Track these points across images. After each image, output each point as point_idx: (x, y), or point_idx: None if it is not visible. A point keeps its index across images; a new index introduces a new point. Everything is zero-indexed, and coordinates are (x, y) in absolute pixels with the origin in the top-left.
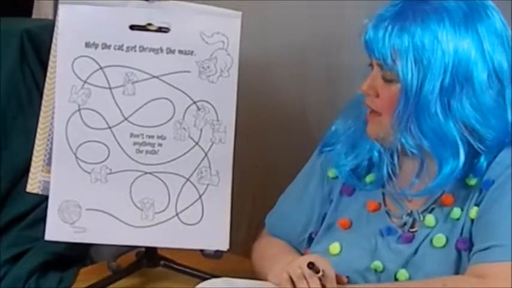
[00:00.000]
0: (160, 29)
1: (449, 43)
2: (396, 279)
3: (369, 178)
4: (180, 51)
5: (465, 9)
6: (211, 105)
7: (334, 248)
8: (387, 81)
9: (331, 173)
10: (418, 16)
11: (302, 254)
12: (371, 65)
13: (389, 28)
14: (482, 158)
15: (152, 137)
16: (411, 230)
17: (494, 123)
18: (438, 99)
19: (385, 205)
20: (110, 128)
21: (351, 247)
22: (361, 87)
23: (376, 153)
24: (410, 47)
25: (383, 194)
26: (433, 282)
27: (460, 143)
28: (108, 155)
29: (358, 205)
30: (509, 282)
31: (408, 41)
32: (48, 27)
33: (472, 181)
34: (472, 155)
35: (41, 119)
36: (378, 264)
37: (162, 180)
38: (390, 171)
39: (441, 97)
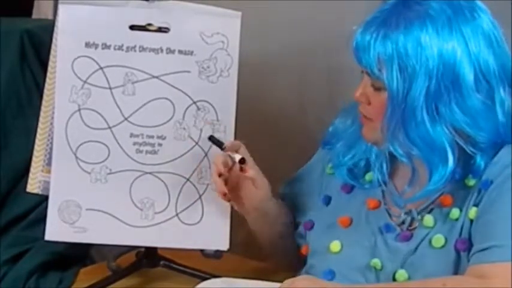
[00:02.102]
0: (160, 29)
1: (433, 48)
2: (395, 280)
3: (368, 176)
4: (180, 51)
5: (449, 12)
6: (211, 105)
7: (335, 246)
8: (376, 89)
9: (329, 169)
10: (401, 23)
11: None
12: (363, 71)
13: (374, 35)
14: (478, 159)
15: (152, 137)
16: (409, 228)
17: (484, 125)
18: (424, 105)
19: (385, 203)
20: (109, 128)
21: (352, 245)
22: (354, 94)
23: (373, 155)
24: (394, 55)
25: (383, 191)
26: (432, 282)
27: (448, 148)
28: (108, 155)
29: (357, 202)
30: (509, 282)
31: (392, 48)
32: (48, 27)
33: (471, 182)
34: (468, 156)
35: (41, 119)
36: (376, 262)
37: (162, 180)
38: (386, 173)
39: (428, 103)
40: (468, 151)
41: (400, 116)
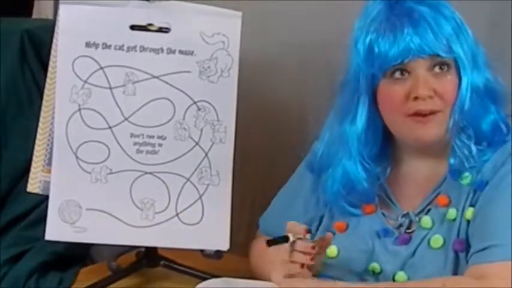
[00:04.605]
0: (160, 29)
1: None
2: (394, 282)
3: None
4: (181, 52)
5: None
6: (212, 105)
7: (332, 251)
8: (443, 73)
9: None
10: (427, 3)
11: None
12: (403, 71)
13: (425, 24)
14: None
15: (152, 137)
16: (408, 231)
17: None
18: (486, 67)
19: (380, 207)
20: (110, 128)
21: (348, 250)
22: (421, 93)
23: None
24: (453, 27)
25: (378, 196)
26: (432, 282)
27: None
28: (109, 155)
29: (353, 208)
30: (509, 281)
31: (449, 22)
32: (48, 27)
33: (466, 179)
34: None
35: (41, 119)
36: (375, 266)
37: (163, 180)
38: (388, 188)
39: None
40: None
41: (474, 81)
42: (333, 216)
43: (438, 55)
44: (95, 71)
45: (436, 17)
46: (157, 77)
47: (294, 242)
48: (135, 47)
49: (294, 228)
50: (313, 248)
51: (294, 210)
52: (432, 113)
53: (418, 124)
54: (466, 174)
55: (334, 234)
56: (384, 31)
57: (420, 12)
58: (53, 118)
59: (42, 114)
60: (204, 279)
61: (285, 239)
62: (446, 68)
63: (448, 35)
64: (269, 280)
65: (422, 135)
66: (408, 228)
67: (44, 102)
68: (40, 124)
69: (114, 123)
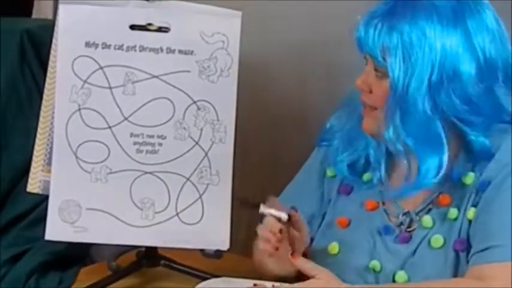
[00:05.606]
0: (160, 29)
1: (436, 40)
2: (394, 281)
3: (366, 177)
4: (180, 51)
5: (455, 5)
6: (212, 104)
7: (333, 248)
8: (379, 76)
9: (330, 171)
10: (408, 13)
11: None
12: (366, 58)
13: (379, 26)
14: (481, 139)
15: (152, 136)
16: (408, 229)
17: (485, 110)
18: (426, 95)
19: (383, 204)
20: (110, 127)
21: (350, 246)
22: (356, 82)
23: (372, 152)
24: (399, 44)
25: (381, 192)
26: (433, 284)
27: (444, 140)
28: (108, 155)
29: (356, 204)
30: (509, 282)
31: (397, 38)
32: (48, 27)
33: (469, 179)
34: (468, 149)
35: (41, 119)
36: (375, 263)
37: (162, 180)
38: (384, 171)
39: (429, 93)
40: (464, 130)
41: (400, 103)
42: (335, 213)
43: (375, 59)
44: (95, 71)
45: (392, 26)
46: (157, 77)
47: (263, 215)
48: (134, 47)
49: (276, 205)
50: (281, 231)
51: (300, 208)
52: (369, 107)
53: (363, 114)
54: (469, 174)
55: (296, 211)
56: (364, 13)
57: (390, 13)
58: (52, 118)
59: (42, 114)
60: (204, 279)
61: (255, 205)
62: (383, 71)
63: (387, 48)
64: (271, 276)
65: (362, 125)
66: (409, 227)
67: (43, 102)
68: (40, 124)
69: (114, 123)
